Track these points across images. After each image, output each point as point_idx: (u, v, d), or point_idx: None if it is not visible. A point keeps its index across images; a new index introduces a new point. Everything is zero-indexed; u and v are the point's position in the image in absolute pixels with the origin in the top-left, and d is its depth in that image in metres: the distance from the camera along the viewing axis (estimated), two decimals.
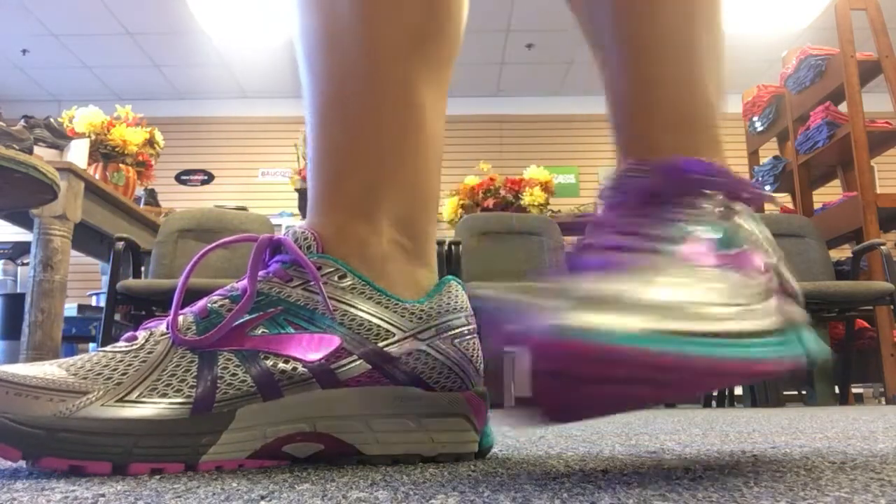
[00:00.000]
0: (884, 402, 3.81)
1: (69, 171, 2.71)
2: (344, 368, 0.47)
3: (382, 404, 0.48)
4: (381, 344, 0.48)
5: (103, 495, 0.34)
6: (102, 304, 2.91)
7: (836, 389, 3.22)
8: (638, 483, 0.37)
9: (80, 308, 3.96)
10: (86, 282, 5.34)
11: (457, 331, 0.51)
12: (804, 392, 3.48)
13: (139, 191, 3.81)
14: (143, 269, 3.06)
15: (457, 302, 0.53)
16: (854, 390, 3.66)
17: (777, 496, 0.32)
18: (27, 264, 3.18)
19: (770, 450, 0.60)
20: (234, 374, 0.45)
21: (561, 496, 0.32)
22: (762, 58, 5.80)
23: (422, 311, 0.50)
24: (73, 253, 2.90)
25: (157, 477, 0.41)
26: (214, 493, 0.34)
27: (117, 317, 2.95)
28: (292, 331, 0.47)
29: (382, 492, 0.34)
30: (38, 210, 2.60)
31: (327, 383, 0.47)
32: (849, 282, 2.97)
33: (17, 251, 5.45)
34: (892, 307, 2.86)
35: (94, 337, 3.52)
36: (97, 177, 3.19)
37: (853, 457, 0.52)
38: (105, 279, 3.43)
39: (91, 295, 4.43)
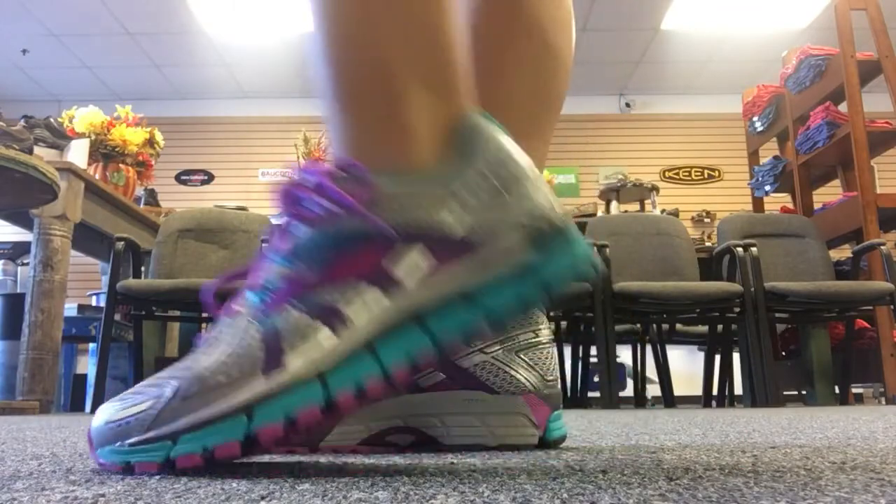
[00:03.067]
0: (884, 402, 3.81)
1: (69, 171, 2.71)
2: (424, 378, 0.59)
3: (453, 405, 0.59)
4: (452, 358, 0.59)
5: (103, 495, 0.34)
6: (102, 304, 2.91)
7: (836, 389, 3.22)
8: (638, 483, 0.37)
9: (80, 308, 3.96)
10: (86, 282, 5.34)
11: (523, 344, 0.61)
12: (804, 392, 3.48)
13: (139, 191, 3.81)
14: (143, 269, 3.06)
15: (532, 320, 0.62)
16: (854, 390, 3.66)
17: (777, 496, 0.32)
18: (27, 264, 3.18)
19: (770, 450, 0.60)
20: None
21: (561, 496, 0.32)
22: (762, 58, 5.80)
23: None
24: (73, 253, 2.90)
25: (157, 477, 0.41)
26: (214, 494, 0.34)
27: (117, 317, 2.95)
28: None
29: (382, 492, 0.34)
30: (38, 210, 2.60)
31: (413, 388, 0.59)
32: (849, 282, 2.97)
33: (17, 251, 5.46)
34: (892, 307, 2.86)
35: (94, 337, 3.52)
36: (97, 177, 3.19)
37: (853, 457, 0.52)
38: (105, 279, 3.43)
39: (91, 295, 4.43)
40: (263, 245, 2.75)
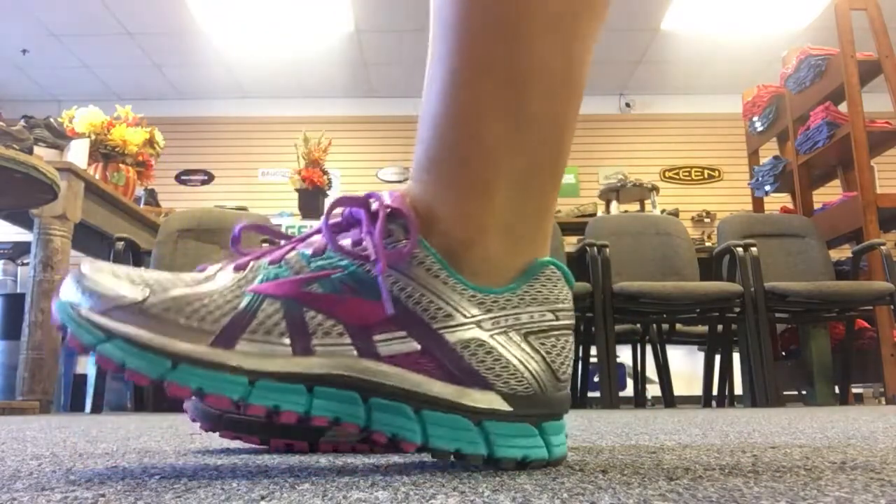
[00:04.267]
0: (884, 402, 3.81)
1: (69, 171, 2.71)
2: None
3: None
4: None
5: (103, 495, 0.34)
6: None
7: (836, 389, 3.22)
8: (638, 483, 0.37)
9: None
10: None
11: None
12: (804, 392, 3.48)
13: (139, 191, 3.81)
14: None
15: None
16: (854, 390, 3.66)
17: (777, 496, 0.32)
18: (27, 264, 3.18)
19: (770, 450, 0.60)
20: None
21: (561, 496, 0.32)
22: (762, 58, 5.80)
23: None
24: (73, 253, 2.90)
25: (157, 477, 0.41)
26: (214, 494, 0.34)
27: None
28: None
29: (382, 492, 0.34)
30: (38, 210, 2.60)
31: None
32: (849, 282, 2.97)
33: (17, 251, 5.46)
34: (892, 307, 2.86)
35: None
36: (97, 177, 3.19)
37: (853, 457, 0.52)
38: None
39: None
40: (263, 246, 2.75)
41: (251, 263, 0.47)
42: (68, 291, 0.44)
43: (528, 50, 0.46)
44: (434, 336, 0.45)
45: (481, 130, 0.46)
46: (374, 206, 0.46)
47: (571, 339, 0.49)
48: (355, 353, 0.44)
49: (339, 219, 0.49)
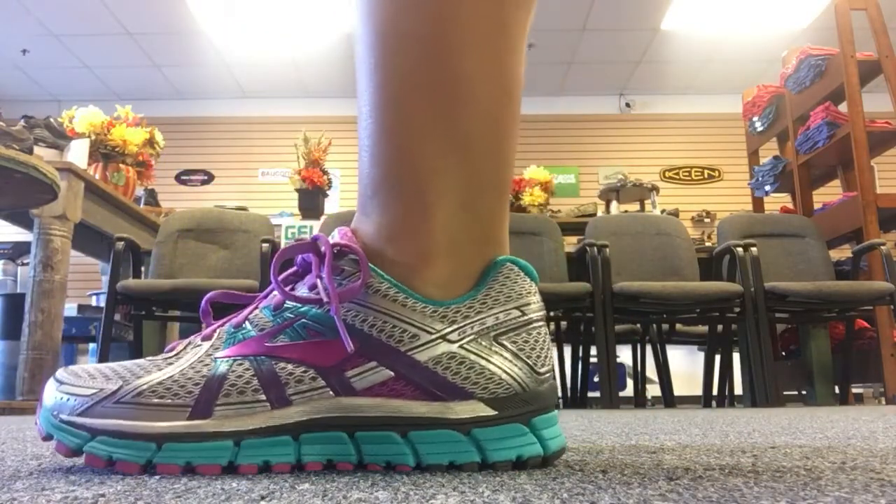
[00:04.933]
0: (884, 402, 3.81)
1: (69, 171, 2.71)
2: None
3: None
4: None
5: (103, 495, 0.34)
6: (102, 304, 2.91)
7: (836, 389, 3.22)
8: (638, 483, 0.37)
9: (80, 308, 3.96)
10: (86, 282, 5.34)
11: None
12: (804, 392, 3.48)
13: (139, 191, 3.81)
14: (143, 269, 3.06)
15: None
16: (854, 390, 3.66)
17: (777, 496, 0.32)
18: (27, 264, 3.18)
19: (770, 450, 0.60)
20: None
21: (561, 496, 0.32)
22: (762, 58, 5.80)
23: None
24: (73, 253, 2.90)
25: (157, 477, 0.41)
26: (214, 494, 0.34)
27: (117, 317, 2.95)
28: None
29: (382, 492, 0.34)
30: (38, 210, 2.60)
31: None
32: (849, 282, 2.97)
33: (17, 251, 5.46)
34: (892, 307, 2.86)
35: (94, 337, 3.52)
36: (97, 177, 3.19)
37: (853, 457, 0.52)
38: (105, 279, 3.43)
39: (91, 295, 4.43)
40: (263, 246, 2.75)
41: (217, 331, 0.48)
42: (49, 397, 0.45)
43: (455, 64, 0.45)
44: (404, 359, 0.45)
45: (413, 149, 0.46)
46: (322, 248, 0.47)
47: (544, 330, 0.48)
48: (331, 393, 0.45)
49: (296, 268, 0.50)
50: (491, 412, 0.45)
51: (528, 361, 0.47)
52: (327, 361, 0.45)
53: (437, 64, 0.45)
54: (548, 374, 0.48)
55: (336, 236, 0.48)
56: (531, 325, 0.48)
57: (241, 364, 0.45)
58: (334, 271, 0.46)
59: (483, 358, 0.45)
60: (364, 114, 0.47)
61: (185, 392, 0.44)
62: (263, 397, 0.44)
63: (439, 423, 0.44)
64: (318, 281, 0.46)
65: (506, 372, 0.46)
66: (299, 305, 0.46)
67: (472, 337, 0.46)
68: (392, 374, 0.45)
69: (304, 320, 0.46)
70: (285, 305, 0.47)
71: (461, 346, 0.45)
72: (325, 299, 0.45)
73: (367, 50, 0.46)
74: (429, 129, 0.46)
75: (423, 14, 0.45)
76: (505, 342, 0.46)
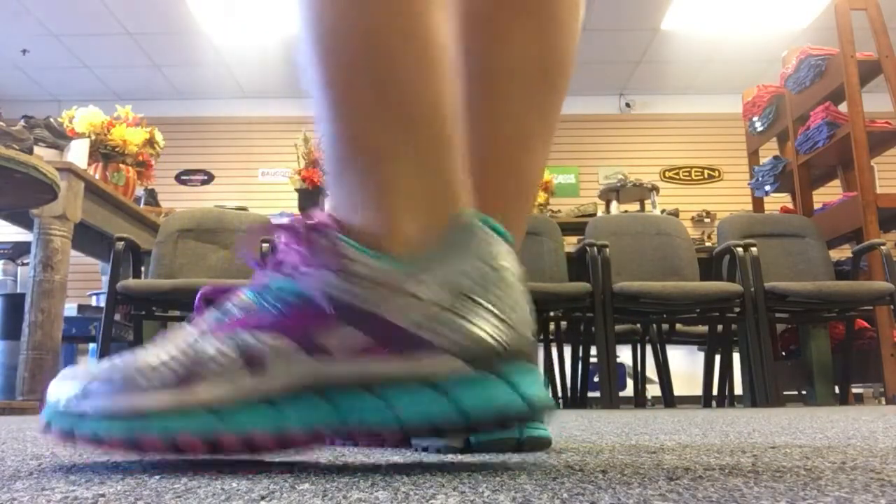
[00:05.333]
0: (884, 402, 3.81)
1: (69, 171, 2.71)
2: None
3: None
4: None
5: (103, 495, 0.34)
6: (102, 304, 2.91)
7: (836, 389, 3.22)
8: (638, 483, 0.37)
9: (80, 308, 3.96)
10: (86, 282, 5.34)
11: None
12: (804, 392, 3.48)
13: (139, 191, 3.81)
14: (143, 269, 3.06)
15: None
16: (854, 390, 3.66)
17: (777, 496, 0.32)
18: (27, 264, 3.18)
19: (770, 450, 0.60)
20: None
21: (561, 496, 0.32)
22: (762, 58, 5.80)
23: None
24: (73, 253, 2.90)
25: (157, 477, 0.41)
26: (214, 494, 0.34)
27: (117, 317, 2.95)
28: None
29: (382, 492, 0.34)
30: (38, 210, 2.60)
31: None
32: (849, 282, 2.97)
33: (17, 251, 5.46)
34: (892, 307, 2.86)
35: (94, 337, 3.52)
36: (97, 177, 3.19)
37: (853, 457, 0.52)
38: (105, 279, 3.43)
39: (91, 295, 4.43)
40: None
41: (204, 317, 0.50)
42: (52, 392, 0.48)
43: (368, 22, 0.49)
44: (378, 321, 0.46)
45: (357, 121, 0.49)
46: (295, 224, 0.49)
47: (516, 284, 0.48)
48: (310, 360, 0.46)
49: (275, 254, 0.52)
50: (464, 366, 0.46)
51: (501, 315, 0.47)
52: (306, 331, 0.47)
53: (357, 13, 0.49)
54: (522, 327, 0.48)
55: (310, 218, 0.50)
56: (500, 280, 0.48)
57: (224, 343, 0.47)
58: (307, 245, 0.48)
59: (455, 313, 0.46)
60: (316, 100, 0.51)
61: (167, 369, 0.46)
62: (246, 370, 0.46)
63: (414, 380, 0.45)
64: (293, 253, 0.48)
65: (477, 326, 0.46)
66: (278, 281, 0.48)
67: (440, 293, 0.47)
68: (367, 336, 0.46)
69: (282, 294, 0.48)
70: (265, 285, 0.49)
71: (433, 303, 0.46)
72: (302, 269, 0.47)
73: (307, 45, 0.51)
74: (366, 100, 0.49)
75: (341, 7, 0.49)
76: (475, 297, 0.47)
